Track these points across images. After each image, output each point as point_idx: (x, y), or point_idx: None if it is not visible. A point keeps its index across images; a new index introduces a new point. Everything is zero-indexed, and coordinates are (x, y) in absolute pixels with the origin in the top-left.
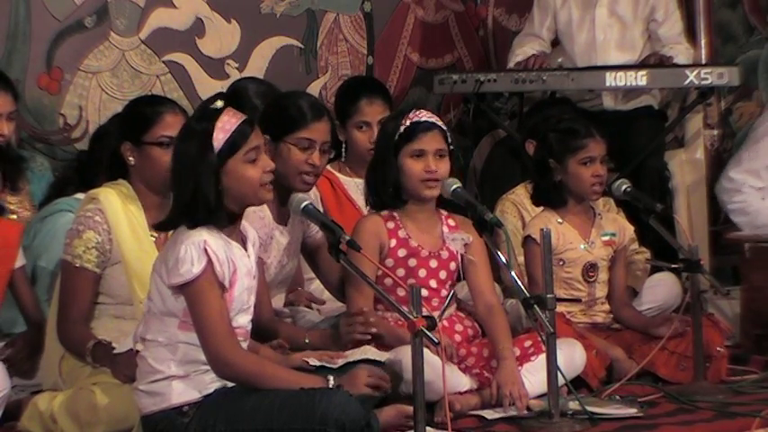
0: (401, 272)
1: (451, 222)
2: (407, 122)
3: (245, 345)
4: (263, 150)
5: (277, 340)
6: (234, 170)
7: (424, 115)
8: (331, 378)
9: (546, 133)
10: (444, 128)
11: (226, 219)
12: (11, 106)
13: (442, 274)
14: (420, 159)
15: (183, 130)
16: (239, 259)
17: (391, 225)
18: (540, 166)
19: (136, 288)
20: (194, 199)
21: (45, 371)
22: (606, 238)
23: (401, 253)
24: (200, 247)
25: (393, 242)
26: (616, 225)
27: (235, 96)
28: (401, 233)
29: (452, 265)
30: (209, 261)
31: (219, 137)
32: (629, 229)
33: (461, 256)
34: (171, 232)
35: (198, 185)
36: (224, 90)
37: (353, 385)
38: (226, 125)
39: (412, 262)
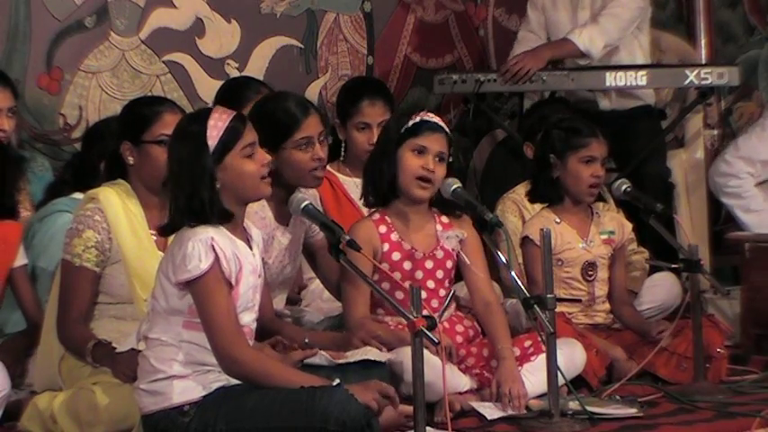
0: (397, 275)
1: (445, 220)
2: (416, 119)
3: (250, 344)
4: (258, 145)
5: (274, 337)
6: (232, 166)
7: (434, 118)
8: (337, 379)
9: (549, 129)
10: (450, 135)
11: (224, 217)
12: (10, 101)
13: (440, 274)
14: (420, 156)
15: (176, 132)
16: (245, 257)
17: (383, 229)
18: (541, 161)
19: (136, 287)
20: (191, 200)
21: (41, 372)
22: (605, 236)
23: (395, 256)
24: (208, 243)
25: (386, 246)
26: (615, 223)
27: None
28: (394, 236)
29: (449, 264)
30: (217, 258)
31: (214, 134)
32: (628, 228)
33: (457, 253)
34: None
35: (194, 187)
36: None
37: (363, 394)
38: (218, 122)
39: (407, 265)
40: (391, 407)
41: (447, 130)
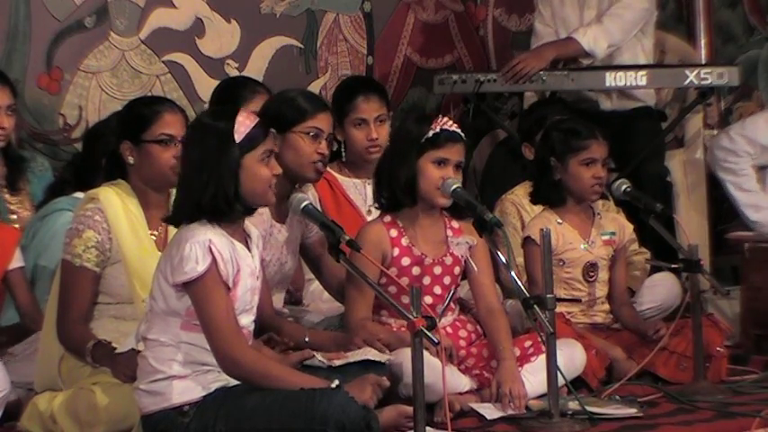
0: (405, 280)
1: (455, 225)
2: (437, 128)
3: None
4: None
5: (267, 333)
6: (250, 167)
7: (453, 125)
8: (336, 381)
9: (549, 131)
10: (466, 142)
11: (240, 214)
12: (9, 99)
13: (447, 280)
14: (441, 168)
15: (198, 127)
16: (243, 259)
17: (394, 233)
18: (541, 163)
19: (137, 287)
20: (215, 194)
21: (41, 372)
22: (606, 237)
23: (405, 261)
24: (205, 245)
25: (396, 251)
26: (616, 224)
27: None
28: (404, 241)
29: (457, 270)
30: (214, 260)
31: (241, 130)
32: (629, 228)
33: (465, 259)
34: (173, 230)
35: (219, 179)
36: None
37: (360, 392)
38: (246, 121)
39: (416, 270)
40: (392, 407)
41: (464, 137)
